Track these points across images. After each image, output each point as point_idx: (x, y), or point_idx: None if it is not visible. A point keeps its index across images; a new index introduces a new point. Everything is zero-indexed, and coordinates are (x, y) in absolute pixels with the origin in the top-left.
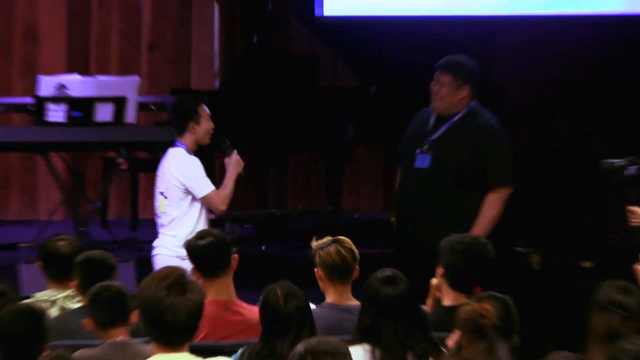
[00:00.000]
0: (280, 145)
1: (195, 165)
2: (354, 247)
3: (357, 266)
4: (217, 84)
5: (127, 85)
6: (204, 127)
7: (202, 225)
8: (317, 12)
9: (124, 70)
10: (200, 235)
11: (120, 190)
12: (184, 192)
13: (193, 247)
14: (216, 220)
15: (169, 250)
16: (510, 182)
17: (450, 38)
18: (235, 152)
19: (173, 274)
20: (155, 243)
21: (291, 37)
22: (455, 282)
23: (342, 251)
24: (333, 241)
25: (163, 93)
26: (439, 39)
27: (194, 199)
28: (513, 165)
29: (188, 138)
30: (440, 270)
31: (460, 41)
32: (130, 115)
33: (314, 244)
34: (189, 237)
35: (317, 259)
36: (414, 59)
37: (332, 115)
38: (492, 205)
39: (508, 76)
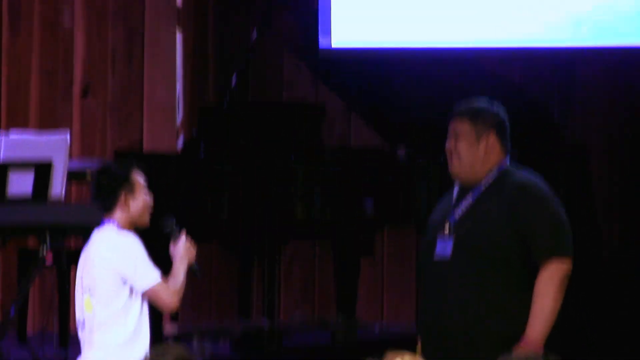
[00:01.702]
0: (270, 230)
1: (134, 246)
2: None
3: None
4: (180, 144)
5: (52, 146)
6: (141, 201)
7: (146, 331)
8: (321, 43)
9: (47, 123)
10: (156, 356)
11: (44, 293)
12: (120, 283)
13: None
14: (179, 336)
15: None
16: (566, 252)
17: (508, 77)
18: (183, 236)
19: None
20: None
21: (285, 78)
22: None
23: None
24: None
25: (103, 156)
26: (496, 80)
27: (132, 292)
28: (569, 233)
29: (119, 216)
30: None
31: (520, 82)
32: (57, 187)
33: None
34: (132, 348)
35: None
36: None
37: (343, 187)
38: (544, 292)
39: (591, 126)
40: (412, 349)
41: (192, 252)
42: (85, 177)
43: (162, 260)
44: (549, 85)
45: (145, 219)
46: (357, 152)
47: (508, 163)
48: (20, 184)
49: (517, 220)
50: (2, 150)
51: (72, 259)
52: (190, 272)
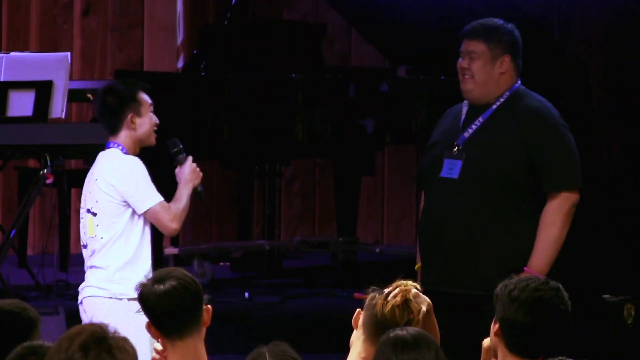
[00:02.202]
0: (270, 149)
1: (136, 168)
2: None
3: None
4: (180, 63)
5: (52, 66)
6: (148, 120)
7: (147, 254)
8: None
9: (47, 44)
10: (159, 277)
11: (45, 214)
12: (121, 205)
13: (148, 295)
14: (180, 256)
15: (102, 291)
16: (575, 184)
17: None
18: (189, 159)
19: (88, 330)
20: (83, 284)
21: None
22: (517, 344)
23: (406, 313)
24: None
25: (104, 76)
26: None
27: (134, 214)
28: (580, 165)
29: (125, 136)
30: (495, 327)
31: (520, 1)
32: (58, 107)
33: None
34: (132, 270)
35: (370, 304)
36: (462, 24)
37: (344, 106)
38: (551, 222)
39: (590, 44)
40: (411, 269)
41: (199, 175)
42: (86, 98)
43: (166, 183)
44: (549, 4)
45: (152, 139)
46: (357, 72)
47: (519, 83)
48: (21, 104)
49: (529, 148)
50: (2, 69)
51: (72, 179)
52: (195, 195)
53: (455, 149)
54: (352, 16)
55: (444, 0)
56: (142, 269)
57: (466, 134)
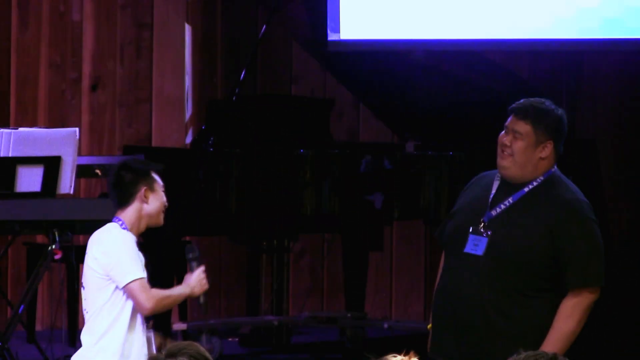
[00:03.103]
0: (278, 224)
1: (124, 243)
2: None
3: None
4: (189, 139)
5: (61, 141)
6: (159, 198)
7: (119, 334)
8: (330, 36)
9: (56, 119)
10: (172, 351)
11: (53, 289)
12: (104, 279)
13: None
14: (188, 331)
15: None
16: (598, 283)
17: (516, 71)
18: (201, 269)
19: None
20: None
21: (293, 72)
22: None
23: None
24: None
25: (112, 152)
26: (505, 74)
27: (117, 290)
28: (604, 262)
29: (134, 211)
30: None
31: (529, 76)
32: (66, 183)
33: None
34: (104, 343)
35: None
36: (470, 100)
37: (352, 181)
38: (570, 316)
39: (599, 121)
40: (420, 345)
41: (203, 285)
42: (94, 174)
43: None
44: (557, 80)
45: (161, 219)
46: (366, 147)
47: (556, 167)
48: (29, 179)
49: (557, 239)
50: (11, 145)
51: (81, 254)
52: (197, 304)
53: (482, 225)
54: (360, 92)
55: (452, 76)
56: (114, 345)
57: (494, 212)
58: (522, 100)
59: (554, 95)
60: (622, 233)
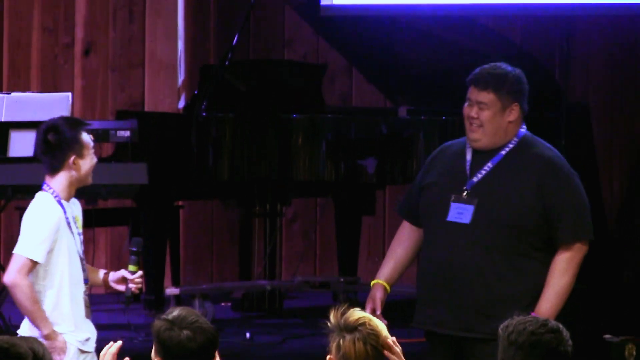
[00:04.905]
0: (271, 189)
1: (43, 218)
2: (388, 341)
3: None
4: (182, 103)
5: (54, 106)
6: (89, 162)
7: (68, 294)
8: (323, 0)
9: (48, 84)
10: (183, 323)
11: None
12: None
13: (170, 338)
14: (181, 296)
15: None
16: (588, 236)
17: (509, 36)
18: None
19: None
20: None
21: (286, 38)
22: None
23: (369, 349)
24: (360, 326)
25: (105, 116)
26: (497, 38)
27: (54, 258)
28: (591, 215)
29: (62, 179)
30: None
31: (522, 41)
32: None
33: (333, 317)
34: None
35: (334, 347)
36: (463, 64)
37: (345, 146)
38: (564, 271)
39: (590, 87)
40: (412, 309)
41: (59, 351)
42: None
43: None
44: (550, 44)
45: (89, 179)
46: (358, 112)
47: (525, 127)
48: (22, 144)
49: (545, 197)
50: (4, 109)
51: None
52: (124, 296)
53: (465, 194)
54: (353, 56)
55: (444, 40)
56: (48, 302)
57: (475, 179)
58: (477, 70)
59: (547, 60)
60: (613, 195)
